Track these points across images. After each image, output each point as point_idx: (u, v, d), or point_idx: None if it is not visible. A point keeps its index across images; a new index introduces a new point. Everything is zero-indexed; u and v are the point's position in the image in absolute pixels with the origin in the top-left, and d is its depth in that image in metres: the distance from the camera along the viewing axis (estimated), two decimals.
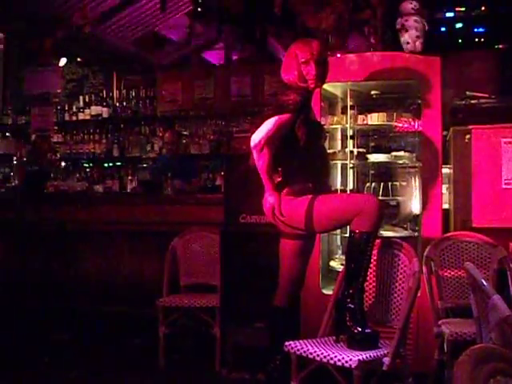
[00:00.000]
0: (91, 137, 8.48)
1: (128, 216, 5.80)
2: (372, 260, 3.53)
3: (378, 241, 3.59)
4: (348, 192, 4.79)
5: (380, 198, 4.64)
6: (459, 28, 6.80)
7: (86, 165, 8.50)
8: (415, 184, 4.81)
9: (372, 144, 5.16)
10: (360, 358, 3.11)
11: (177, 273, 5.08)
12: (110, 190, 7.13)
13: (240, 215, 4.56)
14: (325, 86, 4.44)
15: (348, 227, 3.48)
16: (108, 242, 5.91)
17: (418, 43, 4.62)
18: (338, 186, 5.01)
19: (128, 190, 7.05)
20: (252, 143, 3.40)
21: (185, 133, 8.10)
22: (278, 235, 3.69)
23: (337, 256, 5.02)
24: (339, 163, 4.98)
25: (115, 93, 8.76)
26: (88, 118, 8.60)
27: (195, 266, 5.10)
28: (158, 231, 5.55)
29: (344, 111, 4.96)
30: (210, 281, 4.95)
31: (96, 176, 8.04)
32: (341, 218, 3.43)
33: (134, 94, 8.49)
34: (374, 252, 3.55)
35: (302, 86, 3.57)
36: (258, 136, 3.39)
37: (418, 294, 3.52)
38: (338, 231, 4.78)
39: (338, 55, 4.79)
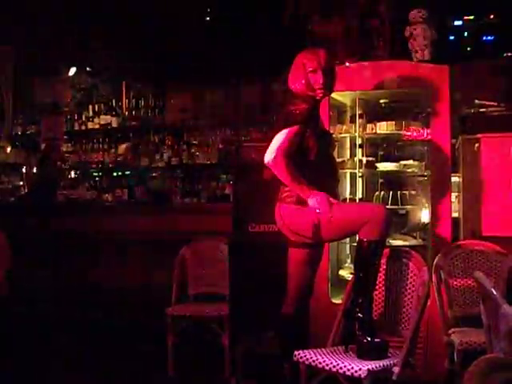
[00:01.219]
0: (100, 146, 8.50)
1: (137, 225, 5.82)
2: (381, 269, 3.52)
3: (386, 250, 3.58)
4: (357, 201, 4.78)
5: (389, 206, 4.63)
6: (468, 36, 6.79)
7: (96, 174, 8.51)
8: (424, 193, 4.80)
9: (381, 153, 5.15)
10: (369, 367, 3.10)
11: (185, 282, 5.08)
12: (120, 199, 7.14)
13: (249, 224, 4.56)
14: (333, 95, 4.44)
15: (357, 236, 3.47)
16: (117, 251, 5.93)
17: (426, 52, 4.63)
18: (347, 195, 5.01)
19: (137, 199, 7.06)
20: (265, 160, 3.42)
21: (194, 142, 8.10)
22: (286, 244, 3.68)
23: (346, 265, 5.01)
24: (348, 172, 4.98)
25: (124, 102, 8.77)
26: (97, 127, 8.61)
27: (204, 274, 5.10)
28: (166, 240, 5.56)
29: (353, 120, 4.96)
30: (219, 290, 4.94)
31: (105, 185, 8.05)
32: (348, 227, 3.43)
33: (143, 103, 8.51)
34: (383, 261, 3.54)
35: (309, 94, 3.57)
36: (270, 152, 3.41)
37: (428, 303, 3.50)
38: (348, 240, 4.78)
39: (347, 64, 4.80)
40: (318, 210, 3.37)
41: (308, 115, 3.48)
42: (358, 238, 3.42)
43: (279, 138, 3.42)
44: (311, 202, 3.39)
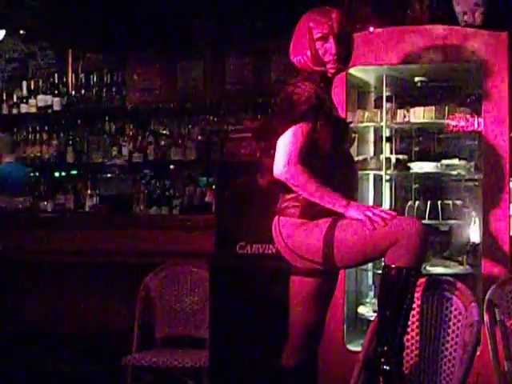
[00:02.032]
0: (37, 136, 8.50)
1: (86, 243, 5.81)
2: (414, 305, 3.53)
3: (422, 279, 3.59)
4: None
5: (426, 221, 4.65)
6: None
7: (31, 174, 8.51)
8: (474, 203, 4.81)
9: (416, 149, 5.17)
10: None
11: (151, 321, 5.07)
12: (63, 208, 7.14)
13: (237, 244, 4.56)
14: (352, 71, 4.45)
15: (382, 261, 3.47)
16: (59, 279, 5.91)
17: (477, 14, 4.65)
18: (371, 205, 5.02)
19: (87, 209, 7.06)
20: (276, 173, 3.42)
21: (164, 132, 8.11)
22: (288, 271, 3.68)
23: (367, 300, 5.02)
24: (371, 174, 5.00)
25: (70, 77, 8.79)
26: (33, 110, 8.61)
27: (176, 312, 5.10)
28: (126, 264, 5.55)
29: (378, 104, 4.98)
30: (196, 332, 4.95)
31: (44, 189, 8.05)
32: (371, 249, 3.41)
33: (95, 79, 8.51)
34: (417, 295, 3.54)
35: (317, 70, 3.57)
36: (279, 162, 3.41)
37: (478, 352, 3.51)
38: (369, 266, 4.79)
39: (371, 29, 4.82)
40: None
41: (317, 102, 3.48)
42: (383, 264, 3.42)
43: (286, 141, 3.42)
44: (354, 213, 3.39)
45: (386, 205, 4.94)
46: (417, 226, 3.35)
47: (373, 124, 4.99)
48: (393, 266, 3.33)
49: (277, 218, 3.57)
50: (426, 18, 4.95)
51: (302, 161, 3.41)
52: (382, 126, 4.89)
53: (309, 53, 3.57)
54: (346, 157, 3.69)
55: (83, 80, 8.62)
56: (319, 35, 3.55)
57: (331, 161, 3.51)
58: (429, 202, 4.82)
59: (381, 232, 3.35)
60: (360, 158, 4.93)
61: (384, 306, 3.42)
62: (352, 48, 3.68)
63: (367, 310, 4.80)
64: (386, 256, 3.35)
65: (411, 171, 4.93)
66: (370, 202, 5.07)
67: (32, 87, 8.72)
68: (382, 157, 4.87)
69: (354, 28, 3.84)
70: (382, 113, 4.87)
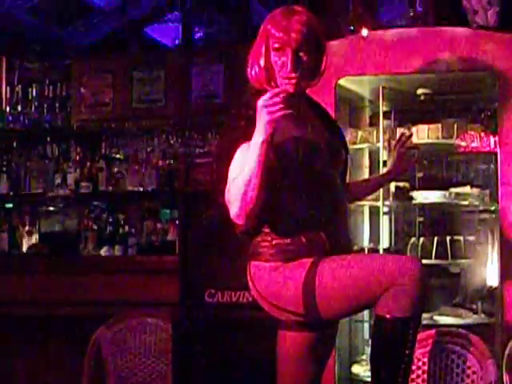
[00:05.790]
0: None
1: (23, 292, 5.78)
2: (420, 364, 3.53)
3: (429, 332, 3.59)
4: (380, 252, 4.79)
5: (432, 261, 4.66)
6: None
7: None
8: (490, 239, 4.83)
9: (419, 175, 5.19)
10: None
11: None
12: None
13: (206, 291, 4.56)
14: (342, 82, 4.46)
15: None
16: None
17: (490, 13, 4.68)
18: (365, 244, 5.02)
19: (24, 250, 7.03)
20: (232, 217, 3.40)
21: (117, 156, 8.10)
22: (273, 324, 3.65)
23: (363, 357, 5.01)
24: (367, 206, 5.01)
25: (4, 91, 8.78)
26: None
27: (132, 373, 5.08)
28: (71, 316, 5.53)
29: (374, 122, 4.99)
30: None
31: None
32: (360, 296, 3.32)
33: (35, 92, 8.51)
34: (423, 351, 3.54)
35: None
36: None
37: None
38: (365, 316, 4.79)
39: (364, 32, 4.85)
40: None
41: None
42: (375, 314, 3.36)
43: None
44: (260, 128, 3.16)
45: (385, 242, 4.93)
46: (414, 267, 3.23)
47: (367, 145, 5.01)
48: (387, 316, 3.26)
49: (249, 262, 3.52)
50: (430, 19, 4.98)
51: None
52: (378, 148, 4.91)
53: (259, 66, 3.51)
54: (332, 182, 3.55)
55: (20, 94, 8.61)
56: (276, 45, 3.41)
57: (311, 187, 3.44)
58: (435, 239, 4.83)
59: (371, 275, 3.26)
60: None
61: (378, 367, 3.35)
62: (322, 59, 3.52)
63: (363, 370, 4.79)
64: (377, 305, 3.26)
65: (414, 202, 4.94)
66: (365, 238, 5.08)
67: None
68: None
69: (325, 31, 3.66)
70: (378, 132, 4.89)
